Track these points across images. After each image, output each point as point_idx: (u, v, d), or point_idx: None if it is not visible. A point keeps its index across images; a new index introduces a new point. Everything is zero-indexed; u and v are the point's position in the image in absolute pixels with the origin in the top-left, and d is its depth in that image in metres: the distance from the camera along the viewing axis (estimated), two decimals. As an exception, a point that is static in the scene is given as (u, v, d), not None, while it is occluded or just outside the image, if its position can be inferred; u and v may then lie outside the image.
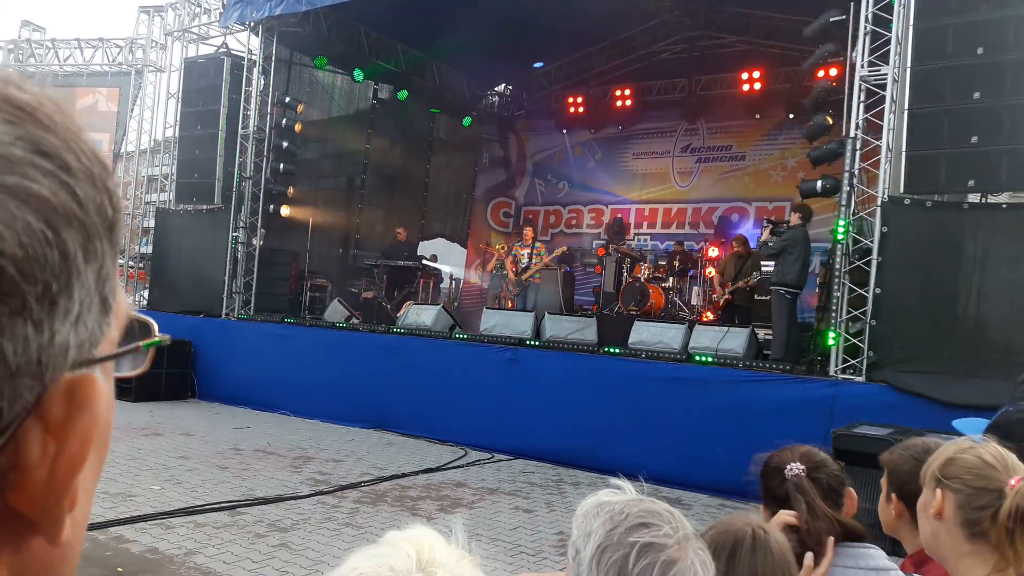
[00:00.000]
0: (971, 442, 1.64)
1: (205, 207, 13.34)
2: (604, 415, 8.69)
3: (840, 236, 7.72)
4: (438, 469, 8.37)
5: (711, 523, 1.58)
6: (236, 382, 11.85)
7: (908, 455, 1.92)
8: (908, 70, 7.39)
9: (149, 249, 16.42)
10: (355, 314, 12.50)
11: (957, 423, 2.27)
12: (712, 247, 13.45)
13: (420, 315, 10.98)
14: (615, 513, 1.22)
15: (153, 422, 10.07)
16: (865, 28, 7.77)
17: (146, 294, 14.94)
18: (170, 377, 12.06)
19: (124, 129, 16.13)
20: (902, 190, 7.46)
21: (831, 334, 7.80)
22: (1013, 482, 1.48)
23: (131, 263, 16.24)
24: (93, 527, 5.63)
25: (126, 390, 11.67)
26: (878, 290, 7.49)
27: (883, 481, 2.00)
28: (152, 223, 15.44)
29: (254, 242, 12.79)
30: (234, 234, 12.71)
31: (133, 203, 16.24)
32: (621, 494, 1.28)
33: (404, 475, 7.95)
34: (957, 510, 1.55)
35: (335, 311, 12.27)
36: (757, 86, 13.90)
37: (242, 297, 12.71)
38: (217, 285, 12.76)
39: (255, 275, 12.79)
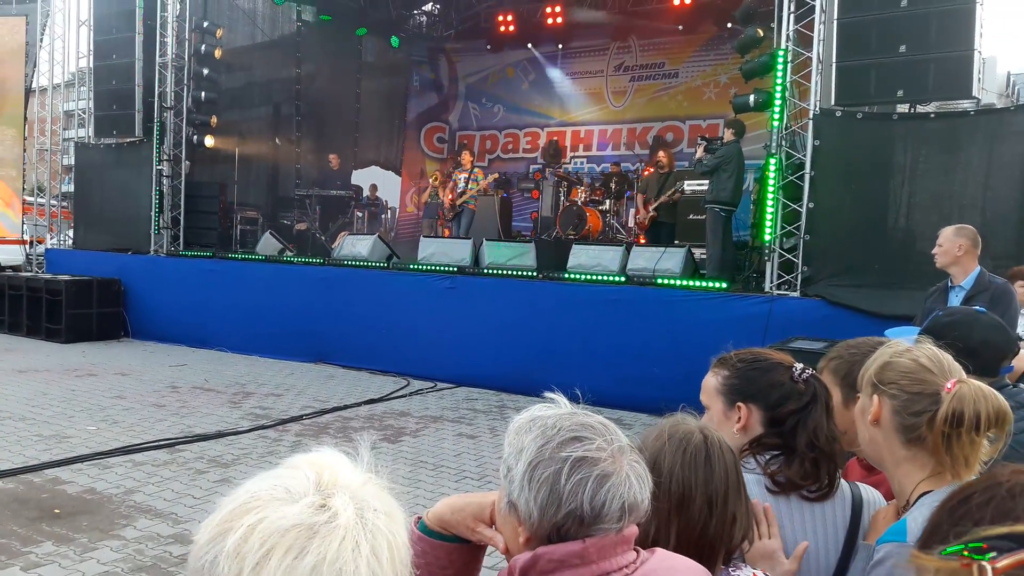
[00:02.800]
0: (907, 345, 1.62)
1: (126, 140, 12.74)
2: (545, 340, 8.74)
3: (772, 151, 7.72)
4: (381, 400, 8.35)
5: (643, 432, 1.52)
6: (169, 320, 11.56)
7: (859, 352, 1.86)
8: (838, -21, 7.34)
9: (72, 187, 15.69)
10: (288, 247, 12.22)
11: (889, 332, 2.29)
12: (648, 168, 13.46)
13: (356, 245, 10.79)
14: (547, 428, 1.17)
15: (86, 363, 9.79)
16: (795, -63, 7.66)
17: (71, 233, 14.35)
18: (101, 317, 11.73)
19: (35, 61, 15.14)
20: (833, 102, 7.48)
21: (765, 250, 7.90)
22: (949, 385, 1.45)
23: (53, 202, 15.51)
24: (28, 469, 5.49)
25: (56, 331, 11.33)
26: (811, 204, 7.58)
27: (832, 388, 1.93)
28: (73, 160, 14.70)
29: (180, 174, 12.32)
30: (158, 167, 12.21)
31: (50, 140, 15.41)
32: (555, 408, 1.24)
33: (346, 407, 7.92)
34: (893, 415, 1.52)
35: (267, 244, 11.97)
36: (688, 0, 13.71)
37: (170, 232, 12.31)
38: (144, 221, 12.32)
39: (182, 209, 12.36)
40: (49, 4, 14.57)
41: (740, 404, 1.74)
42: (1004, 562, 0.48)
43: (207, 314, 11.22)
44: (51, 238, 15.26)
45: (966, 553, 0.49)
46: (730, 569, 1.38)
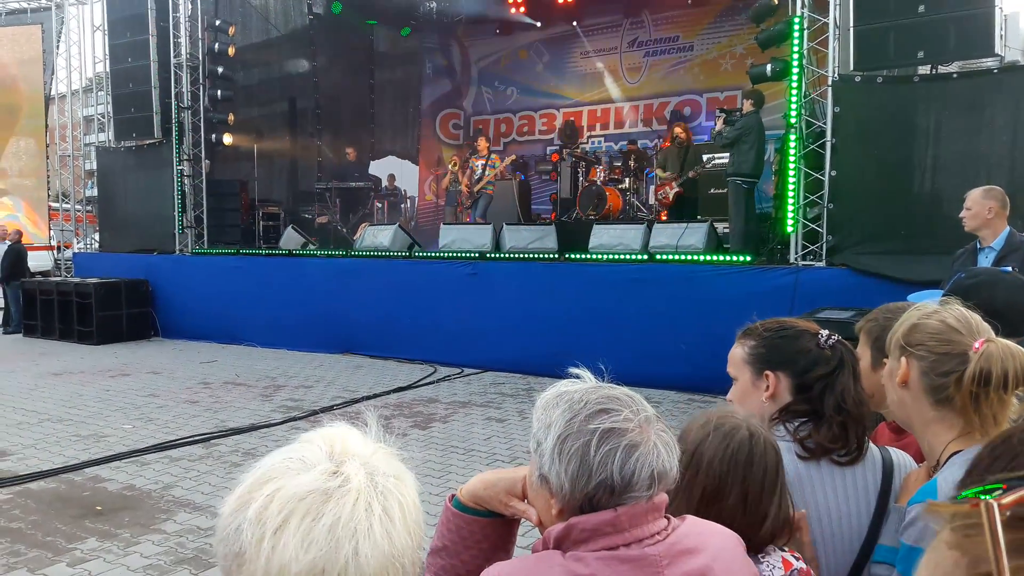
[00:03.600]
0: (935, 306, 1.61)
1: (146, 142, 12.87)
2: (570, 322, 8.73)
3: (792, 120, 7.65)
4: (409, 387, 8.40)
5: (690, 418, 1.52)
6: (198, 317, 11.70)
7: (894, 316, 1.85)
8: (851, -59, 7.21)
9: (95, 192, 15.90)
10: (311, 240, 12.32)
11: (912, 296, 2.27)
12: (667, 143, 13.35)
13: (377, 236, 10.83)
14: (574, 402, 1.18)
15: (119, 363, 9.95)
16: (806, -101, 7.53)
17: (97, 237, 14.55)
18: (131, 317, 11.92)
19: (52, 68, 15.32)
20: (851, 68, 7.36)
21: (789, 220, 7.82)
22: (977, 345, 1.44)
23: (78, 207, 15.73)
24: (68, 469, 5.60)
25: (87, 334, 11.53)
26: (834, 172, 7.48)
27: (863, 351, 1.94)
28: (95, 164, 14.89)
29: (201, 173, 12.44)
30: (179, 167, 12.33)
31: (72, 146, 15.62)
32: (580, 383, 1.25)
33: (376, 395, 7.98)
34: (922, 376, 1.52)
35: (290, 238, 12.06)
36: (701, -30, 13.53)
37: (194, 231, 12.44)
38: (167, 221, 12.46)
39: (204, 207, 12.48)
40: (64, 11, 14.71)
41: (768, 372, 1.74)
42: (1010, 497, 0.48)
43: (234, 310, 11.35)
44: (78, 242, 15.49)
45: (980, 495, 0.49)
46: (759, 555, 1.38)
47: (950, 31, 6.83)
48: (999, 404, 1.41)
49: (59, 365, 9.83)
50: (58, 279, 13.24)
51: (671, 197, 11.14)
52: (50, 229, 15.42)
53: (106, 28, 13.15)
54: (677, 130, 11.33)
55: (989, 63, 7.44)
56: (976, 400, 1.42)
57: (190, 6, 12.31)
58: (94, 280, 12.06)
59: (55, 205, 16.17)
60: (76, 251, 14.87)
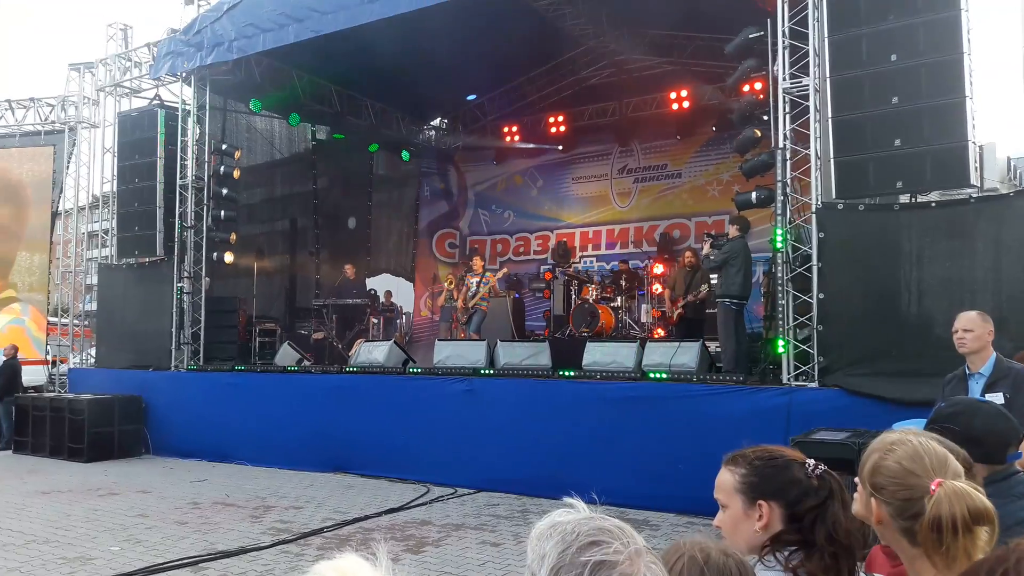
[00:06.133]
0: (896, 437, 1.64)
1: (148, 260, 13.10)
2: (565, 440, 8.68)
3: (779, 245, 7.89)
4: (401, 508, 8.26)
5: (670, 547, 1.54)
6: (190, 435, 11.59)
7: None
8: (828, 80, 7.62)
9: (94, 306, 16.03)
10: (306, 356, 12.36)
11: (897, 425, 2.34)
12: (657, 264, 13.68)
13: (372, 352, 10.90)
14: (567, 533, 1.23)
15: (108, 481, 9.79)
16: (783, 42, 8.00)
17: (93, 352, 14.57)
18: (122, 434, 11.82)
19: (60, 187, 15.79)
20: (834, 195, 7.64)
21: (780, 342, 7.94)
22: (933, 487, 1.48)
23: (76, 321, 15.82)
24: (48, 598, 5.43)
25: (78, 451, 11.38)
26: (821, 295, 7.63)
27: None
28: (95, 279, 15.10)
29: (200, 291, 12.61)
30: (179, 284, 12.51)
31: (74, 260, 15.87)
32: (573, 513, 1.29)
33: (367, 517, 7.83)
34: (892, 520, 1.56)
35: (286, 355, 12.11)
36: (686, 104, 14.28)
37: (191, 348, 12.49)
38: (164, 338, 12.51)
39: (202, 324, 12.58)
40: (76, 134, 15.28)
41: (761, 502, 1.75)
42: None
43: (227, 428, 11.26)
44: (73, 357, 15.48)
45: None
46: None
47: (927, 163, 7.15)
48: (967, 540, 1.44)
49: (47, 483, 9.66)
50: (52, 395, 13.17)
51: (675, 317, 11.37)
52: (47, 344, 15.45)
53: (116, 150, 13.63)
54: (688, 254, 11.61)
55: (968, 191, 7.74)
56: (940, 542, 1.45)
57: (198, 130, 12.79)
58: (88, 396, 12.01)
59: (53, 319, 16.27)
60: (72, 366, 14.86)
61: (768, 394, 7.79)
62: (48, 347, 15.43)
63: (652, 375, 8.67)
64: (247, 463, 10.80)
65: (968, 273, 7.11)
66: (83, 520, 7.67)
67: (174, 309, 12.46)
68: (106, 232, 14.63)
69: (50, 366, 15.45)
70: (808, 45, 7.81)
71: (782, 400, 7.60)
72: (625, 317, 13.16)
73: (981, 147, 7.83)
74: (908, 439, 1.61)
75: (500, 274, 13.35)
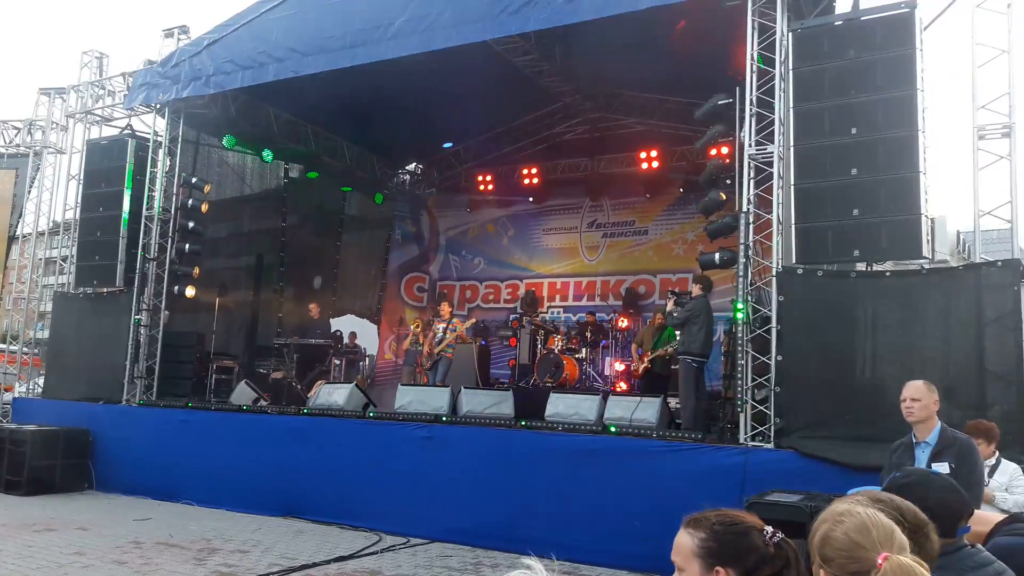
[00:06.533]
0: (845, 508, 1.67)
1: (106, 290, 12.88)
2: (523, 491, 8.61)
3: (739, 316, 8.00)
4: (351, 557, 8.08)
5: None
6: (137, 471, 11.27)
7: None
8: (792, 148, 7.88)
9: (45, 334, 15.67)
10: (263, 396, 12.16)
11: (851, 491, 2.38)
12: (622, 318, 13.81)
13: (332, 394, 10.77)
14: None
15: (46, 516, 9.45)
16: (750, 110, 8.26)
17: (41, 381, 14.17)
18: (66, 468, 11.43)
19: (21, 211, 15.53)
20: (794, 260, 7.83)
21: (738, 402, 8.02)
22: (880, 560, 1.51)
23: (25, 349, 15.43)
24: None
25: (16, 483, 10.99)
26: (779, 357, 7.75)
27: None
28: (49, 307, 14.77)
29: (158, 324, 12.40)
30: (136, 317, 12.29)
31: (28, 287, 15.56)
32: (531, 574, 1.30)
33: (315, 564, 7.65)
34: None
35: (242, 393, 11.91)
36: (655, 164, 14.64)
37: (144, 382, 12.23)
38: (118, 370, 12.24)
39: (158, 358, 12.34)
40: (41, 159, 15.10)
41: (719, 568, 1.75)
42: None
43: (176, 466, 10.98)
44: (20, 386, 15.06)
45: None
46: None
47: (882, 233, 7.38)
48: None
49: (-18, 517, 9.32)
50: (-6, 423, 12.76)
51: (640, 371, 11.46)
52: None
53: (82, 177, 13.47)
54: (659, 316, 11.78)
55: (920, 262, 7.99)
56: None
57: (168, 162, 12.71)
58: (31, 427, 11.64)
59: (1, 346, 15.86)
60: (17, 395, 14.44)
61: (725, 453, 7.83)
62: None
63: (612, 429, 8.68)
64: (195, 503, 10.53)
65: (919, 342, 7.29)
66: (15, 557, 7.39)
67: (130, 341, 12.22)
68: (64, 259, 14.39)
69: (-7, 394, 15.02)
70: (774, 114, 8.06)
71: (739, 460, 7.65)
72: (589, 369, 13.22)
73: (933, 220, 8.10)
74: (857, 511, 1.64)
75: (468, 323, 13.35)
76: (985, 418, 6.15)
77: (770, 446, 7.72)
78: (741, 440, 7.94)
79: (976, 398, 6.93)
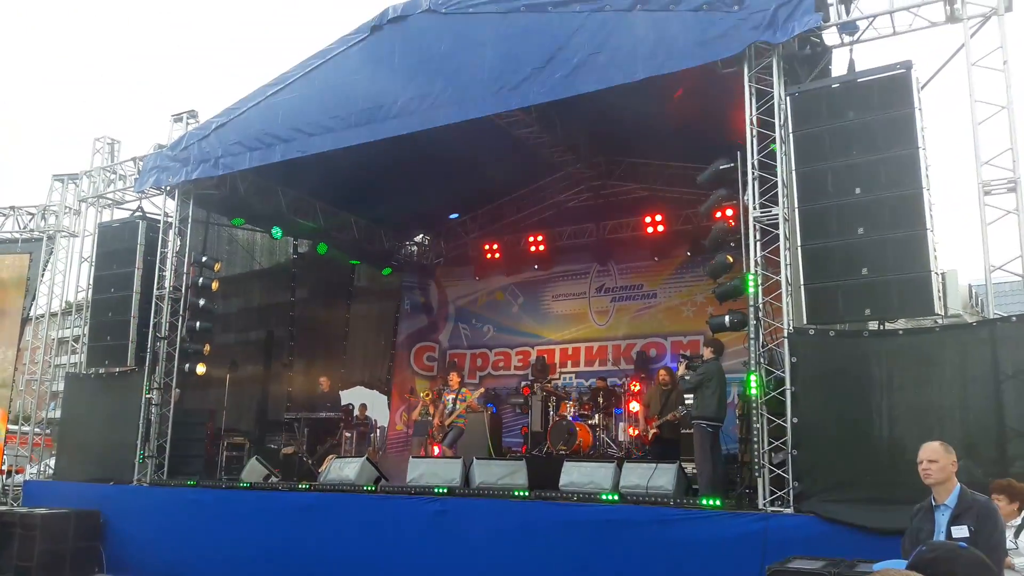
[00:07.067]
0: None
1: (117, 369, 12.91)
2: (540, 565, 8.40)
3: (752, 392, 7.91)
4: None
5: None
6: (148, 553, 11.10)
7: None
8: (796, 210, 7.90)
9: (57, 414, 15.64)
10: (274, 472, 12.03)
11: (877, 567, 2.34)
12: (634, 382, 13.72)
13: (343, 469, 10.65)
14: None
15: (53, 607, 9.27)
16: (753, 174, 8.31)
17: (52, 463, 14.08)
18: (76, 552, 11.25)
19: (34, 294, 15.70)
20: (805, 321, 7.79)
21: (755, 466, 7.88)
22: None
23: (37, 430, 15.38)
24: None
25: (25, 569, 10.80)
26: (795, 420, 7.64)
27: None
28: (61, 387, 14.78)
29: (169, 402, 12.38)
30: (147, 396, 12.27)
31: (41, 368, 15.60)
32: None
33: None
34: None
35: (253, 470, 11.79)
36: (660, 228, 14.77)
37: (155, 461, 12.14)
38: (128, 450, 12.17)
39: (169, 437, 12.28)
40: (54, 242, 15.32)
41: None
42: None
43: (187, 546, 10.80)
44: (31, 468, 14.97)
45: None
46: None
47: (892, 291, 7.34)
48: None
49: (-10, 606, 9.15)
50: (3, 508, 12.63)
51: (650, 437, 11.29)
52: (3, 453, 14.95)
53: (93, 260, 13.63)
54: (662, 373, 11.66)
55: (933, 318, 7.93)
56: None
57: (178, 242, 12.86)
58: (42, 510, 11.51)
59: (13, 428, 15.81)
60: (28, 478, 14.33)
61: (745, 520, 7.67)
62: (4, 456, 14.93)
63: (630, 498, 8.51)
64: (206, 586, 10.33)
65: (936, 399, 7.18)
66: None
67: (141, 420, 12.18)
68: (76, 339, 14.46)
69: (5, 476, 14.91)
70: (777, 177, 8.13)
71: (759, 526, 7.49)
72: (603, 435, 13.07)
73: (943, 275, 8.07)
74: None
75: (478, 393, 13.26)
76: (1007, 474, 6.03)
77: (790, 511, 7.55)
78: (760, 505, 7.78)
79: (997, 454, 6.80)
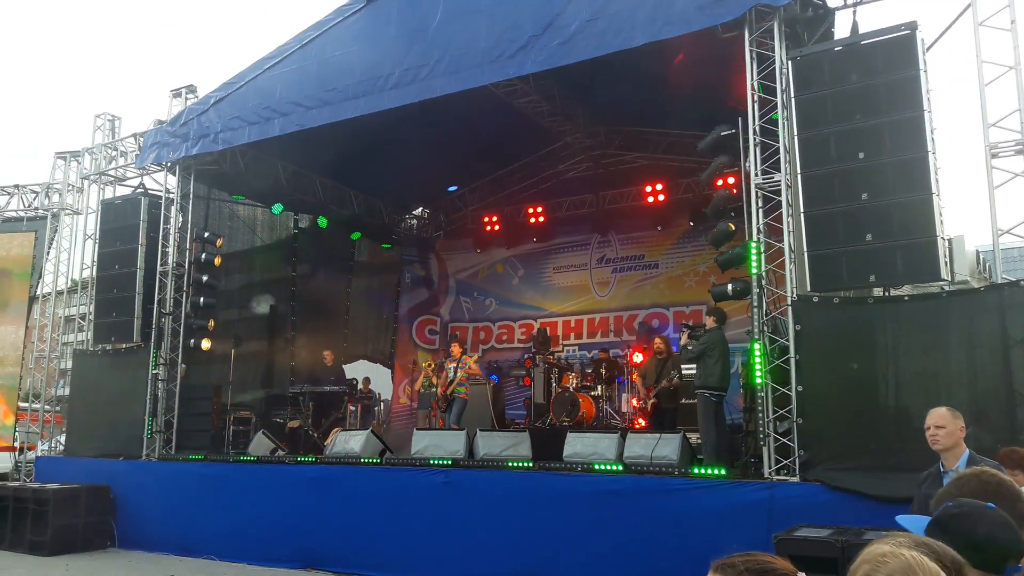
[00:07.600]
0: (888, 549, 1.60)
1: (124, 346, 12.95)
2: (545, 535, 8.46)
3: (758, 381, 7.85)
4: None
5: None
6: (159, 527, 11.21)
7: None
8: (799, 176, 7.79)
9: (67, 391, 15.73)
10: (280, 445, 12.11)
11: (900, 519, 2.29)
12: (636, 352, 13.69)
13: (348, 442, 10.70)
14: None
15: (67, 579, 9.41)
16: (754, 140, 8.19)
17: (63, 439, 14.20)
18: (88, 526, 11.42)
19: (40, 272, 15.72)
20: (809, 288, 7.71)
21: (760, 435, 7.87)
22: None
23: (47, 407, 15.48)
24: None
25: (39, 543, 10.95)
26: (800, 388, 7.60)
27: None
28: (69, 364, 14.84)
29: (175, 377, 12.43)
30: (154, 371, 12.32)
31: (49, 346, 15.65)
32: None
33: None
34: None
35: (260, 444, 11.86)
36: (661, 197, 14.62)
37: (163, 436, 12.22)
38: (137, 426, 12.25)
39: (176, 412, 12.35)
40: (59, 220, 15.30)
41: None
42: None
43: (196, 519, 10.91)
44: (42, 444, 15.09)
45: None
46: None
47: (897, 258, 7.24)
48: None
49: (3, 581, 9.27)
50: (16, 484, 12.75)
51: (649, 408, 11.26)
52: (15, 430, 15.06)
53: (97, 237, 13.64)
54: (657, 341, 11.61)
55: (939, 284, 7.84)
56: None
57: (180, 218, 12.84)
58: (54, 486, 11.64)
59: (24, 405, 15.91)
60: (39, 454, 14.46)
61: (750, 489, 7.67)
62: (16, 433, 15.05)
63: (633, 468, 8.52)
64: (215, 558, 10.41)
65: (944, 366, 7.14)
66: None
67: (148, 396, 12.24)
68: (83, 316, 14.50)
69: (17, 453, 15.03)
70: (779, 143, 8.01)
71: (764, 495, 7.48)
72: (606, 406, 13.07)
73: (950, 240, 7.98)
74: (901, 552, 1.57)
75: (475, 356, 13.28)
76: (1016, 441, 5.99)
77: (795, 479, 7.55)
78: (766, 474, 7.77)
79: (1006, 420, 6.75)
